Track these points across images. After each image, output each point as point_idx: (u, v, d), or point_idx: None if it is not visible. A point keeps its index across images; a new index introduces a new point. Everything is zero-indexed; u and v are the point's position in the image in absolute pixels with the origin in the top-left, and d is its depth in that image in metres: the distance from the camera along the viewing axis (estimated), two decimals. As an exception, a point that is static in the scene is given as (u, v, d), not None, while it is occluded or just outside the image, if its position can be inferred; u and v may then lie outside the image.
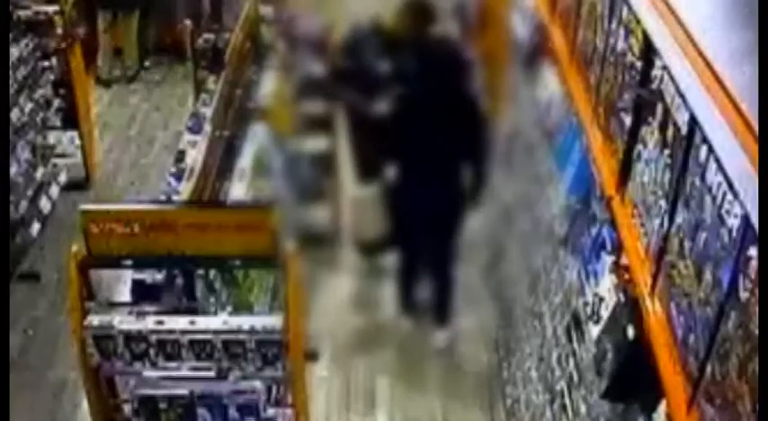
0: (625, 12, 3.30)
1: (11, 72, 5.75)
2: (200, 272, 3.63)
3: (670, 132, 2.66)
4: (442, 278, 5.25)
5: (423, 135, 4.67)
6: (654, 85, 2.87)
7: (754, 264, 1.97)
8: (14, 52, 5.88)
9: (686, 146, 2.49)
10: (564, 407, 3.59)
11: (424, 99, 4.67)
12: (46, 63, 6.32)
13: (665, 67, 2.75)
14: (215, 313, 3.52)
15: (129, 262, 3.35)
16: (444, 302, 5.28)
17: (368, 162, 5.02)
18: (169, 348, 3.30)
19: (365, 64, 4.69)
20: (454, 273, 5.23)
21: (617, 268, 3.20)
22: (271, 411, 3.55)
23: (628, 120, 3.16)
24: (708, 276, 2.26)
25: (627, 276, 3.05)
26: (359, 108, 4.73)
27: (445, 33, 4.88)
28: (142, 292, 3.43)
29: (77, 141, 6.70)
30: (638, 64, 3.09)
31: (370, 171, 5.01)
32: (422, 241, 5.20)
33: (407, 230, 5.16)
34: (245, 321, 3.32)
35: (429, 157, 4.72)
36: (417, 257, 5.28)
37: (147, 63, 8.82)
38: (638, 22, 3.09)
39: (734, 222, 2.09)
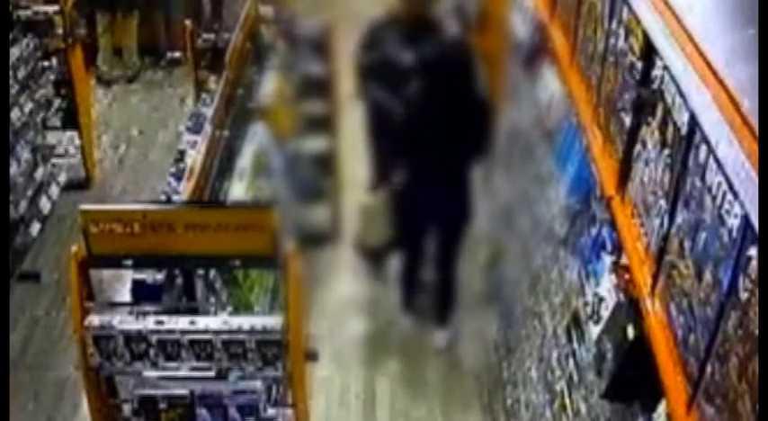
0: (625, 12, 3.30)
1: (11, 72, 5.76)
2: (200, 272, 3.63)
3: (670, 132, 2.66)
4: (443, 278, 5.26)
5: (430, 136, 4.67)
6: (654, 85, 2.87)
7: (754, 264, 1.97)
8: (14, 52, 5.88)
9: (686, 146, 2.49)
10: (564, 407, 3.59)
11: (432, 100, 4.66)
12: (46, 63, 6.33)
13: (665, 67, 2.75)
14: (215, 313, 3.52)
15: (129, 262, 3.34)
16: (445, 302, 5.29)
17: (384, 167, 4.97)
18: (169, 348, 3.30)
19: (388, 57, 4.66)
20: (455, 273, 5.24)
21: (617, 268, 3.20)
22: (271, 411, 3.54)
23: (628, 120, 3.16)
24: (708, 276, 2.25)
25: (627, 276, 3.04)
26: (388, 106, 4.68)
27: (450, 34, 4.89)
28: (142, 292, 3.42)
29: (77, 141, 6.70)
30: (638, 64, 3.09)
31: (385, 176, 4.97)
32: (425, 242, 5.20)
33: (411, 231, 5.16)
34: (245, 321, 3.32)
35: (435, 158, 4.72)
36: (419, 258, 5.28)
37: (147, 63, 8.82)
38: (638, 22, 3.09)
39: (734, 222, 2.09)
